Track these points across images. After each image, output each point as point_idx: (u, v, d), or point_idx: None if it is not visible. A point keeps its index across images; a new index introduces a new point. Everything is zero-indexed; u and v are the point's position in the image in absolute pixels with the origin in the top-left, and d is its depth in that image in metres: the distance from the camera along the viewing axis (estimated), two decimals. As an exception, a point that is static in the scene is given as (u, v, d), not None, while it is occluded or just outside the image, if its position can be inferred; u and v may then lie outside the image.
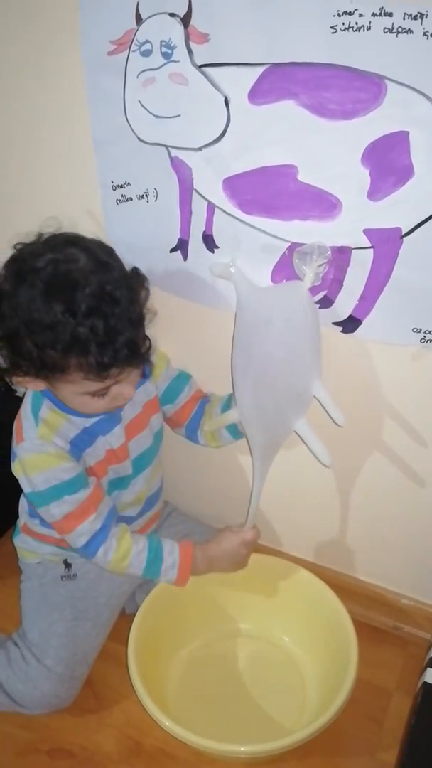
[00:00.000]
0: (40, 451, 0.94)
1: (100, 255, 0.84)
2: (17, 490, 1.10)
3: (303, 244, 0.86)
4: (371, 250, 0.83)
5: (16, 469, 0.98)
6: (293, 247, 0.87)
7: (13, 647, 1.07)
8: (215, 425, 1.04)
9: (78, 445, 0.96)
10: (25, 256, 0.84)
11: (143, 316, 0.87)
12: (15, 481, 0.99)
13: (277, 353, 0.87)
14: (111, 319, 0.81)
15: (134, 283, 0.87)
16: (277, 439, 0.97)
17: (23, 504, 1.12)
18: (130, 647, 0.99)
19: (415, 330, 0.87)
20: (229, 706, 1.07)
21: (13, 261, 0.85)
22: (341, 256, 0.85)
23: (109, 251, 0.87)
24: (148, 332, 0.89)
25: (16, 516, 1.15)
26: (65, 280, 0.81)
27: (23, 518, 1.12)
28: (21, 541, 1.14)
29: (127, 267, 0.88)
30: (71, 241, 0.85)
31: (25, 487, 0.98)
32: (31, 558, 1.13)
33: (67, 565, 1.10)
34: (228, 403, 1.04)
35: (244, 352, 0.90)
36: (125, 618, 1.11)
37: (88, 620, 1.08)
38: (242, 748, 0.91)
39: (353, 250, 0.84)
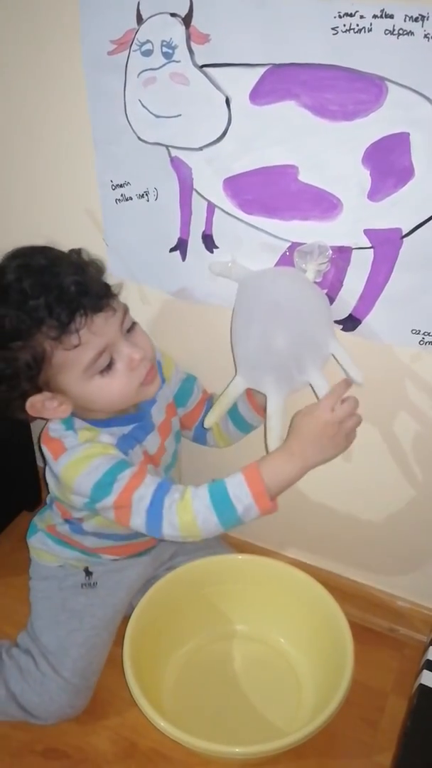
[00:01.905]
0: (87, 447, 0.89)
1: (21, 248, 0.85)
2: (14, 491, 1.09)
3: (303, 244, 0.86)
4: (371, 250, 0.84)
5: (64, 483, 0.90)
6: (294, 246, 0.87)
7: (23, 655, 1.05)
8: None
9: (122, 447, 0.92)
10: None
11: (84, 264, 0.85)
12: (11, 482, 0.99)
13: (286, 302, 0.85)
14: (44, 275, 0.80)
15: (74, 253, 0.86)
16: (291, 381, 0.87)
17: (53, 508, 1.07)
18: (126, 648, 0.98)
19: (414, 331, 0.88)
20: (225, 707, 1.07)
21: None
22: (341, 256, 0.85)
23: (45, 246, 0.86)
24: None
25: (12, 514, 1.14)
26: None
27: (52, 520, 1.08)
28: (39, 542, 1.11)
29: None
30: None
31: (79, 498, 0.90)
32: (51, 560, 1.10)
33: (88, 573, 1.08)
34: None
35: (248, 305, 0.88)
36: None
37: (106, 629, 1.07)
38: (237, 750, 0.90)
39: (353, 250, 0.85)
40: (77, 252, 0.88)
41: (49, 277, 0.80)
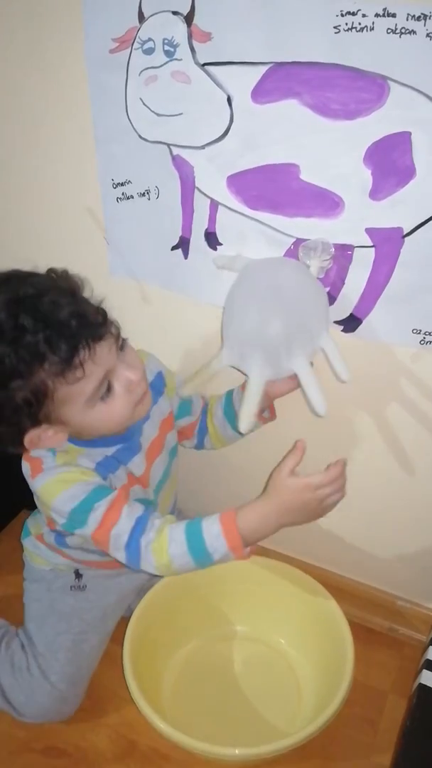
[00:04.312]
0: (63, 471, 0.88)
1: (3, 274, 0.82)
2: (14, 487, 1.09)
3: (308, 240, 0.86)
4: (373, 249, 0.83)
5: (43, 502, 0.92)
6: (299, 241, 0.87)
7: (20, 651, 1.05)
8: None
9: (103, 469, 0.90)
10: None
11: (76, 290, 0.82)
12: (11, 477, 0.98)
13: (288, 287, 0.83)
14: (40, 307, 0.76)
15: (53, 275, 0.83)
16: (276, 366, 0.85)
17: (40, 516, 1.07)
18: (126, 648, 0.98)
19: (415, 331, 0.88)
20: (225, 708, 1.07)
21: None
22: (343, 254, 0.85)
23: (13, 270, 0.83)
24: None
25: (15, 511, 1.13)
26: None
27: (41, 529, 1.07)
28: (32, 546, 1.10)
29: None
30: None
31: (58, 518, 0.89)
32: (42, 564, 1.10)
33: (78, 575, 1.08)
34: (227, 398, 1.03)
35: (249, 284, 0.86)
36: (121, 619, 1.11)
37: (95, 634, 1.06)
38: (237, 751, 0.90)
39: (355, 249, 0.85)
40: (56, 273, 0.84)
41: (44, 309, 0.76)
